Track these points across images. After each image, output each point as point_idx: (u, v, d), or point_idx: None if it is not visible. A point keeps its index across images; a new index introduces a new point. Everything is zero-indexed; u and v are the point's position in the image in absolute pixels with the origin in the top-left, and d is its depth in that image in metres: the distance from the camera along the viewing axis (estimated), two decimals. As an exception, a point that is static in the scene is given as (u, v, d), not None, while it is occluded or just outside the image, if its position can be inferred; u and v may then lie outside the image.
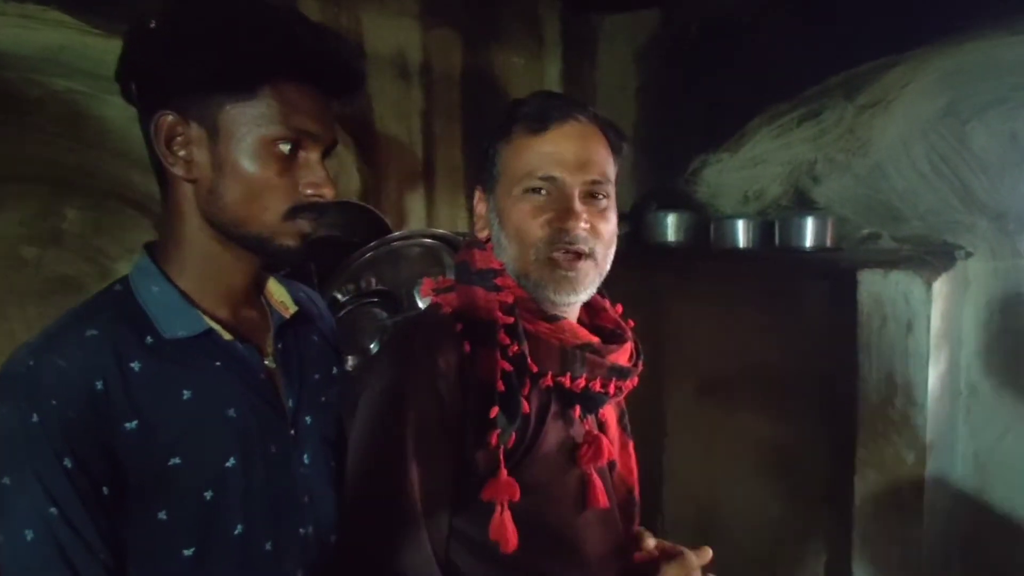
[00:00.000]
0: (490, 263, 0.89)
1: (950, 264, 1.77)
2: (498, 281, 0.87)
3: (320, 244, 1.64)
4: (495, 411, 0.80)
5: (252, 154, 0.76)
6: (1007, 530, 1.87)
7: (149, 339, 0.77)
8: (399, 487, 0.81)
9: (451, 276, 1.00)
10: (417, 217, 1.97)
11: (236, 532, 0.80)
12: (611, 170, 0.89)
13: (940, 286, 1.68)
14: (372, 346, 1.72)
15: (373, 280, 1.67)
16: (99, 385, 0.73)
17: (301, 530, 0.86)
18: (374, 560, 0.82)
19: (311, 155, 0.79)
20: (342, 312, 1.60)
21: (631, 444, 0.98)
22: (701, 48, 2.23)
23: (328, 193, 0.79)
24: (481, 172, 0.93)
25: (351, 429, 0.88)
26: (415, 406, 0.81)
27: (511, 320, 0.84)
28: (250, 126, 0.76)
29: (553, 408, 0.87)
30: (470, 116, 2.07)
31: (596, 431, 0.90)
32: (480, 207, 0.94)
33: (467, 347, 0.83)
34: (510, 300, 0.86)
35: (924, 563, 1.75)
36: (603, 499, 0.88)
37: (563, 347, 0.85)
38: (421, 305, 1.71)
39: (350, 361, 1.68)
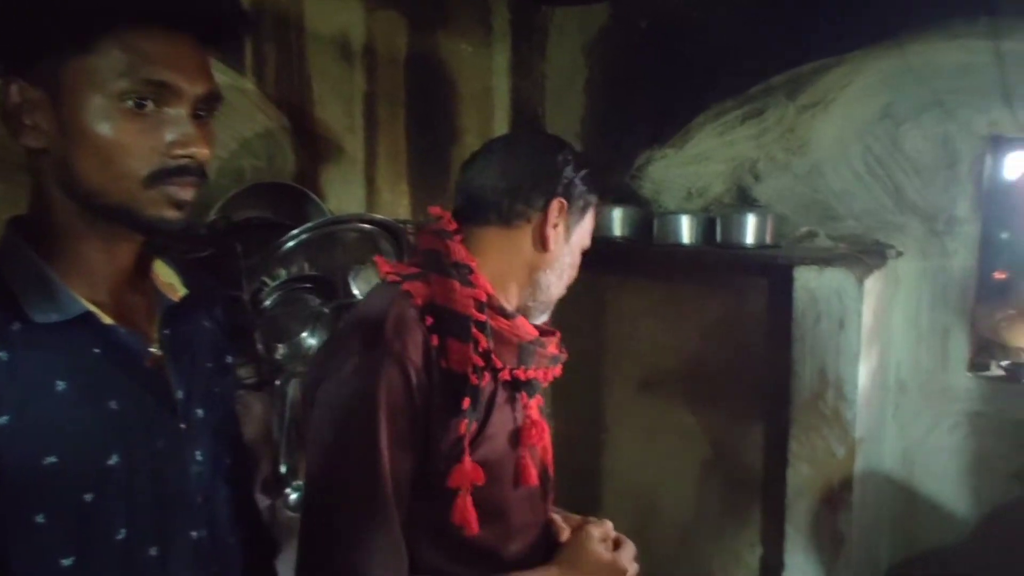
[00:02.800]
0: (465, 257, 0.92)
1: (881, 263, 1.81)
2: (472, 277, 0.91)
3: (248, 226, 1.58)
4: (467, 402, 0.86)
5: (98, 114, 0.68)
6: (933, 521, 1.92)
7: (16, 325, 0.69)
8: (372, 468, 0.83)
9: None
10: (357, 203, 1.91)
11: (119, 537, 0.72)
12: None
13: (872, 284, 1.72)
14: (304, 334, 1.66)
15: (306, 265, 1.61)
16: None
17: (193, 533, 0.80)
18: (345, 542, 0.83)
19: (177, 111, 0.71)
20: (271, 298, 1.54)
21: (547, 428, 1.03)
22: (649, 44, 2.23)
23: (200, 153, 0.71)
24: (566, 196, 0.96)
25: (311, 414, 0.88)
26: (387, 390, 0.83)
27: (483, 317, 0.89)
28: (92, 83, 0.68)
29: (500, 395, 0.93)
30: (415, 102, 2.02)
31: (537, 416, 0.97)
32: (560, 225, 0.96)
33: (435, 340, 0.87)
34: (483, 298, 0.90)
35: (853, 553, 1.79)
36: (535, 477, 0.96)
37: (520, 343, 0.93)
38: (357, 292, 1.66)
39: (280, 350, 1.62)
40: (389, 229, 1.69)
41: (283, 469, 1.51)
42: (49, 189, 0.72)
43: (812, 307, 1.77)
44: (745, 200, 2.09)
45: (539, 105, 2.39)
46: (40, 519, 0.68)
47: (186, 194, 0.73)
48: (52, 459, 0.68)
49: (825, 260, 1.75)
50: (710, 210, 2.13)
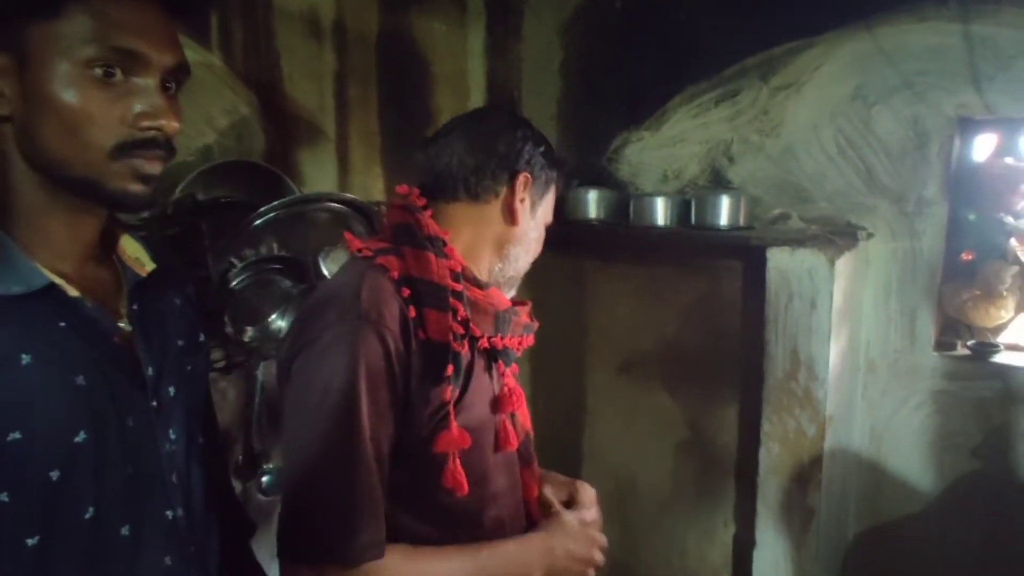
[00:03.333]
0: (438, 231, 0.95)
1: (853, 244, 1.83)
2: (446, 250, 0.94)
3: (216, 206, 1.55)
4: (451, 369, 0.88)
5: (64, 81, 0.66)
6: (898, 494, 1.96)
7: None
8: (353, 436, 0.83)
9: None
10: (330, 184, 1.88)
11: (87, 516, 0.71)
12: None
13: (842, 265, 1.73)
14: (274, 316, 1.64)
15: (275, 246, 1.58)
16: None
17: (168, 513, 0.79)
18: (328, 509, 0.84)
19: (145, 81, 0.70)
20: (240, 279, 1.51)
21: (523, 394, 1.07)
22: (625, 25, 2.22)
23: (168, 126, 0.70)
24: (529, 171, 0.99)
25: (289, 384, 0.88)
26: (367, 358, 0.84)
27: (460, 287, 0.92)
28: (59, 49, 0.66)
29: (478, 364, 0.96)
30: (388, 82, 2.00)
31: (514, 383, 1.02)
32: (526, 199, 1.00)
33: (412, 311, 0.88)
34: (458, 268, 0.93)
35: (822, 528, 1.82)
36: (514, 442, 0.99)
37: (496, 312, 0.97)
38: (327, 274, 1.64)
39: (250, 332, 1.59)
40: (361, 210, 1.66)
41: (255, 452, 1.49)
42: (10, 158, 0.70)
43: (784, 288, 1.78)
44: (720, 182, 2.09)
45: (515, 87, 2.37)
46: (3, 497, 0.67)
47: (153, 168, 0.72)
48: (16, 435, 0.66)
49: (797, 241, 1.76)
50: (686, 192, 2.13)
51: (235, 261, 1.48)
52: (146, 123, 0.69)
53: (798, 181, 1.98)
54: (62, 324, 0.71)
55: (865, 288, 1.93)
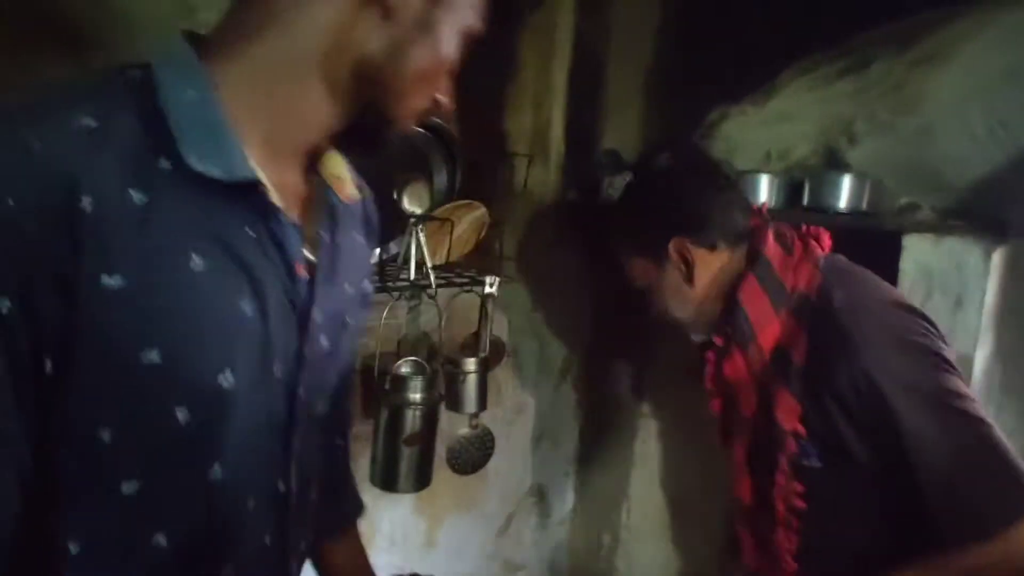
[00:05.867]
0: None
1: (1003, 239, 1.59)
2: None
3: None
4: None
5: (453, 36, 0.68)
6: None
7: (164, 162, 0.56)
8: None
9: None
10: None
11: (213, 476, 0.60)
12: None
13: (999, 259, 1.49)
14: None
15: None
16: (86, 203, 0.51)
17: (280, 485, 0.69)
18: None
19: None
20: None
21: None
22: (734, -12, 2.01)
23: (448, 111, 0.73)
24: None
25: None
26: None
27: None
28: (467, 9, 0.68)
29: None
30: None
31: None
32: None
33: None
34: None
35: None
36: None
37: None
38: (407, 208, 1.39)
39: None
40: (445, 138, 1.43)
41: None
42: (319, 34, 0.61)
43: (923, 281, 1.54)
44: (834, 165, 1.85)
45: (603, 49, 2.15)
46: (106, 437, 0.55)
47: (409, 130, 0.72)
48: (153, 356, 0.55)
49: (945, 228, 1.52)
50: (792, 173, 1.89)
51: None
52: (440, 97, 0.71)
53: (934, 166, 1.73)
54: (250, 232, 0.59)
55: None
